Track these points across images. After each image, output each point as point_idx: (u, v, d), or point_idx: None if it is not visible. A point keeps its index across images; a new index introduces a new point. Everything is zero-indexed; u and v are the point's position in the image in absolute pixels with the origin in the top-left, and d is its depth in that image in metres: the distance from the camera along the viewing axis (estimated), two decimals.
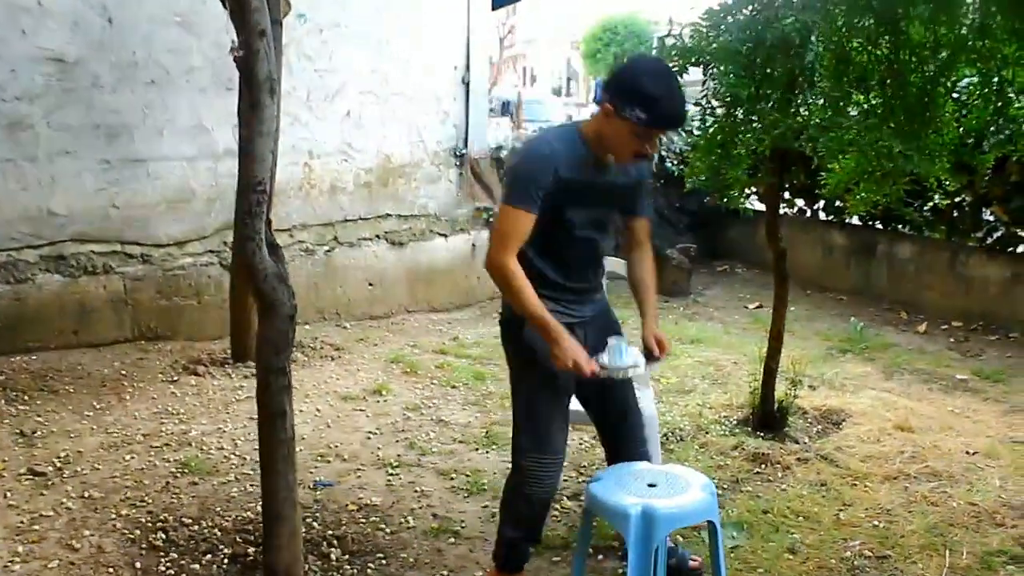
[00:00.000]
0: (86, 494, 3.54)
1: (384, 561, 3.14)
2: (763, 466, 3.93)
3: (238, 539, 3.20)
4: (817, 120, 3.72)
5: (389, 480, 3.81)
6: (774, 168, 4.22)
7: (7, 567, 3.00)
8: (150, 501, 3.50)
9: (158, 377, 4.94)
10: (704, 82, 3.96)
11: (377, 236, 6.56)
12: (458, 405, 4.74)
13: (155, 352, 5.37)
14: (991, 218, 6.35)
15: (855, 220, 7.27)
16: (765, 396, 4.33)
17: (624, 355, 2.67)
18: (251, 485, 3.63)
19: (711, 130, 4.04)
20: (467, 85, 6.86)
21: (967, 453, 4.10)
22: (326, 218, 6.27)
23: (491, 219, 7.03)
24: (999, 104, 3.63)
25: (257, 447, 2.77)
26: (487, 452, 4.13)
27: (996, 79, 3.56)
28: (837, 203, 6.97)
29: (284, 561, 2.73)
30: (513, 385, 2.89)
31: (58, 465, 3.79)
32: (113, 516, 3.37)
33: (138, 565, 3.04)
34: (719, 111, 3.92)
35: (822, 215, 7.69)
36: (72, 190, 5.25)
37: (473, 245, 7.03)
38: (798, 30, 3.37)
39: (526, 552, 2.96)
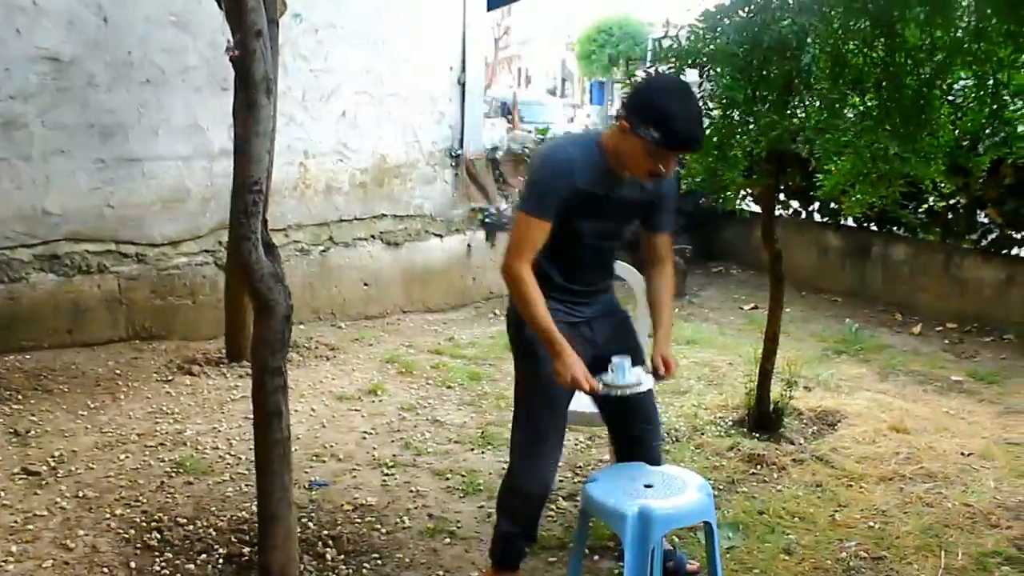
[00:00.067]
0: (80, 494, 3.53)
1: (380, 561, 3.14)
2: (759, 467, 3.93)
3: (233, 539, 3.19)
4: (813, 122, 3.72)
5: (384, 480, 3.81)
6: (770, 170, 4.23)
7: (1, 567, 2.99)
8: (145, 501, 3.49)
9: (153, 377, 4.93)
10: (700, 84, 3.97)
11: (372, 236, 6.55)
12: (453, 405, 4.74)
13: (150, 352, 5.36)
14: (985, 220, 6.37)
15: (850, 222, 7.29)
16: (760, 397, 4.33)
17: (627, 374, 2.69)
18: (246, 485, 3.62)
19: (707, 132, 4.04)
20: (463, 86, 6.86)
21: (962, 454, 4.11)
22: (321, 218, 6.27)
23: (486, 219, 7.04)
24: (994, 107, 3.63)
25: (252, 447, 2.77)
26: (483, 452, 4.12)
27: (991, 82, 3.57)
28: (832, 205, 6.99)
29: (279, 561, 2.73)
30: (516, 381, 2.91)
31: (52, 464, 3.78)
32: (107, 516, 3.36)
33: (133, 565, 3.03)
34: (715, 113, 3.92)
35: (817, 217, 7.70)
36: (67, 189, 5.24)
37: (468, 246, 7.04)
38: (795, 32, 3.37)
39: (522, 549, 2.96)
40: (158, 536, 3.21)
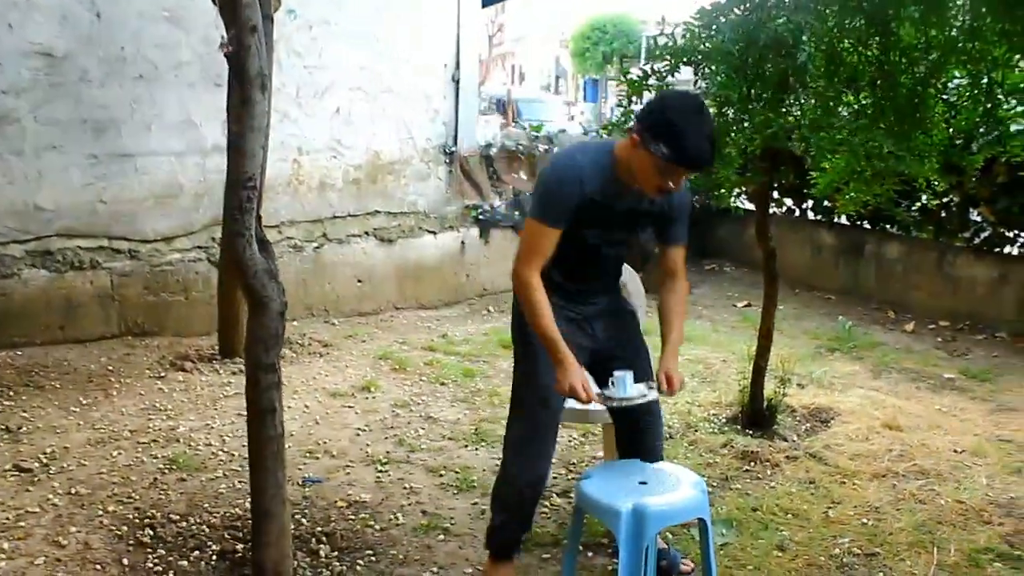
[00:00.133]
0: (72, 490, 3.52)
1: (373, 558, 3.13)
2: (752, 464, 3.94)
3: (226, 536, 3.19)
4: (808, 120, 3.73)
5: (378, 477, 3.80)
6: (765, 168, 4.24)
7: None
8: (137, 497, 3.48)
9: (145, 373, 4.91)
10: (695, 82, 3.97)
11: (366, 233, 6.54)
12: (447, 402, 4.74)
13: (142, 348, 5.34)
14: (978, 219, 6.39)
15: (843, 220, 7.31)
16: (754, 394, 4.34)
17: (627, 388, 2.70)
18: (239, 481, 3.61)
19: None
20: (457, 83, 6.85)
21: (955, 451, 4.13)
22: (315, 215, 6.25)
23: (480, 216, 7.04)
24: (988, 105, 3.65)
25: (245, 443, 2.76)
26: (476, 449, 4.12)
27: (985, 81, 3.58)
28: (826, 203, 7.00)
29: (273, 558, 2.72)
30: (514, 376, 2.93)
31: (44, 461, 3.77)
32: (100, 513, 3.35)
33: (125, 562, 3.02)
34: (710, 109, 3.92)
35: (811, 215, 7.72)
36: (59, 185, 5.21)
37: (462, 243, 7.03)
38: (790, 30, 3.37)
39: (517, 540, 2.97)
40: (151, 533, 3.20)
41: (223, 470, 3.77)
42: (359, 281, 6.53)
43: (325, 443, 4.12)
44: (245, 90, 2.55)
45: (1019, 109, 4.20)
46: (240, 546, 3.09)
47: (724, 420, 4.45)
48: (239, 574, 2.96)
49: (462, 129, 6.94)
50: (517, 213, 7.17)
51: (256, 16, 2.52)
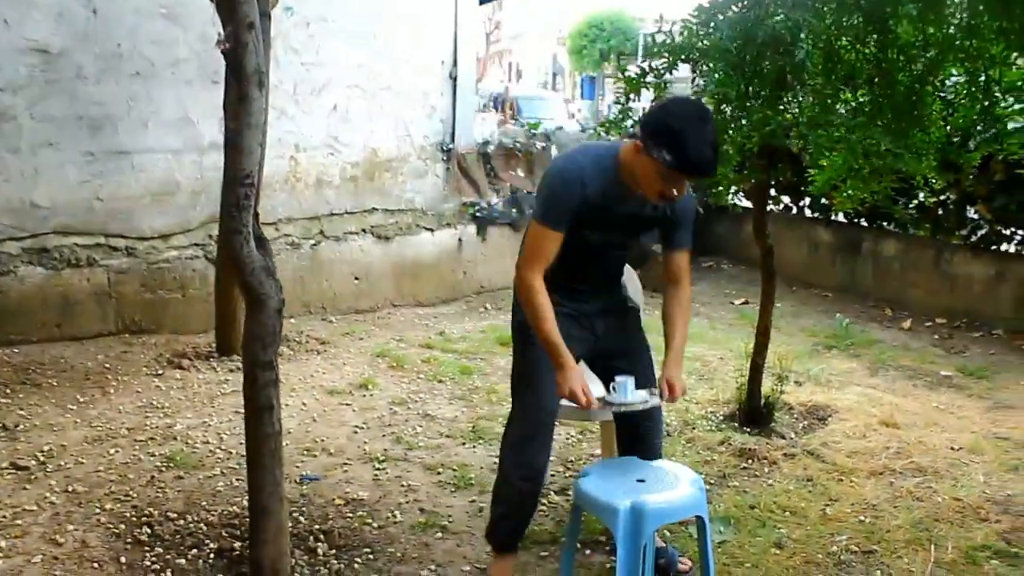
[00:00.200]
0: (70, 488, 3.51)
1: (371, 556, 3.13)
2: (750, 461, 3.94)
3: (224, 533, 3.18)
4: (806, 117, 3.73)
5: (376, 475, 3.80)
6: (763, 165, 4.24)
7: None
8: (135, 495, 3.47)
9: (142, 371, 4.91)
10: (693, 79, 3.96)
11: (363, 230, 6.53)
12: (444, 399, 4.73)
13: (139, 345, 5.33)
14: (975, 216, 6.40)
15: (841, 217, 7.31)
16: (751, 392, 4.34)
17: (628, 394, 2.71)
18: (237, 479, 3.61)
19: None
20: (454, 80, 6.84)
21: (951, 449, 4.13)
22: (312, 212, 6.25)
23: (477, 213, 7.03)
24: (986, 103, 3.65)
25: (243, 441, 2.76)
26: (474, 447, 4.12)
27: (983, 78, 3.58)
28: (823, 200, 7.00)
29: (270, 556, 2.72)
30: (512, 373, 2.96)
31: (41, 459, 3.76)
32: (97, 511, 3.34)
33: (123, 560, 3.01)
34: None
35: (808, 212, 7.72)
36: (55, 182, 5.20)
37: (459, 240, 7.02)
38: (788, 28, 3.37)
39: (517, 534, 2.98)
40: (148, 531, 3.19)
41: (221, 468, 3.77)
42: (356, 278, 6.52)
43: (323, 441, 4.11)
44: (242, 87, 2.54)
45: (1016, 107, 4.21)
46: (238, 544, 3.09)
47: (722, 418, 4.46)
48: (237, 572, 2.96)
49: (459, 126, 6.93)
50: (515, 210, 7.17)
51: (253, 13, 2.51)
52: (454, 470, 3.84)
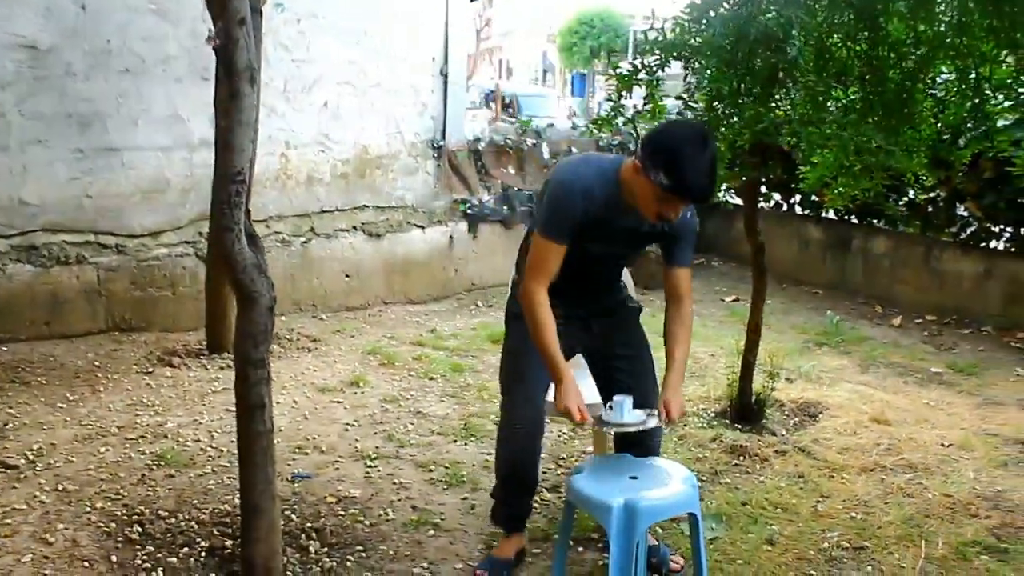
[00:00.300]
0: (60, 487, 3.49)
1: (364, 554, 3.12)
2: (741, 458, 3.95)
3: (215, 532, 3.17)
4: (798, 114, 3.73)
5: (367, 472, 3.79)
6: (754, 163, 4.24)
7: None
8: (126, 494, 3.45)
9: (132, 369, 4.88)
10: (685, 76, 3.96)
11: (354, 227, 6.52)
12: (436, 397, 4.73)
13: (129, 343, 5.31)
14: (965, 213, 6.42)
15: (831, 214, 7.33)
16: (743, 389, 4.35)
17: (624, 414, 2.71)
18: (228, 477, 3.60)
19: None
20: (445, 77, 6.82)
21: (942, 445, 4.15)
22: (303, 209, 6.23)
23: (468, 211, 7.02)
24: (976, 101, 3.66)
25: (234, 439, 2.75)
26: (466, 444, 4.11)
27: (973, 76, 3.60)
28: (813, 197, 7.02)
29: (262, 554, 2.71)
30: (501, 357, 3.06)
31: (31, 458, 3.74)
32: (88, 509, 3.32)
33: (114, 559, 3.00)
34: (700, 106, 3.93)
35: (798, 209, 7.74)
36: (44, 179, 5.17)
37: (450, 237, 7.01)
38: (780, 25, 3.37)
39: (522, 511, 3.05)
40: (139, 529, 3.18)
41: (212, 466, 3.76)
42: (347, 276, 6.51)
43: (314, 439, 4.10)
44: (233, 84, 2.53)
45: (1006, 105, 4.23)
46: (229, 542, 3.08)
47: (713, 415, 4.46)
48: (228, 570, 2.95)
49: (450, 123, 6.91)
50: (506, 207, 7.16)
51: (244, 8, 2.50)
52: (446, 467, 3.84)
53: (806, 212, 7.63)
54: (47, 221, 5.20)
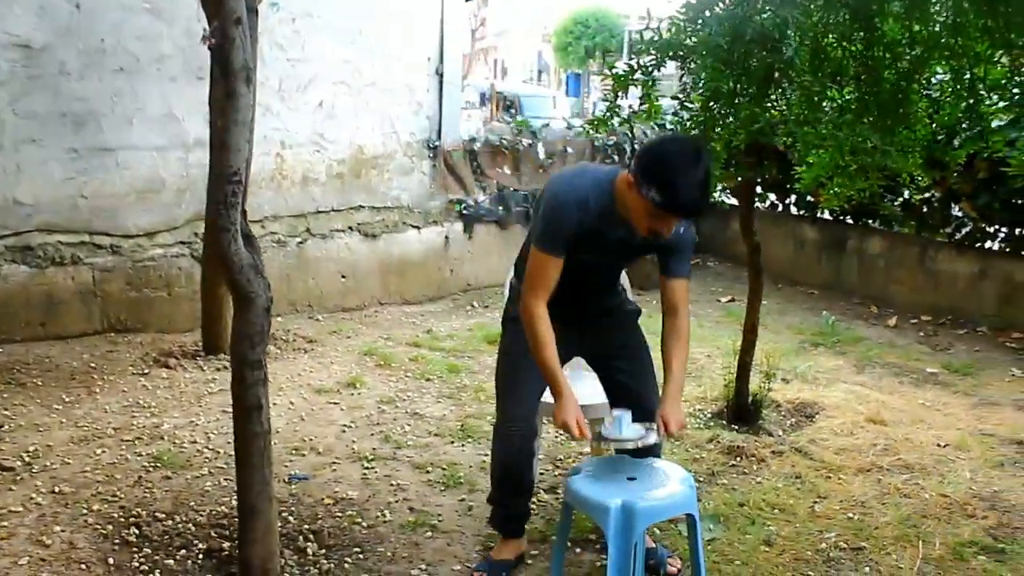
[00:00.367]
0: (56, 489, 3.48)
1: (361, 555, 3.12)
2: (738, 459, 3.95)
3: (213, 534, 3.17)
4: (794, 114, 3.74)
5: (364, 474, 3.78)
6: (750, 163, 4.24)
7: None
8: (122, 496, 3.45)
9: (128, 370, 4.87)
10: (681, 76, 3.96)
11: (350, 228, 6.51)
12: (432, 398, 4.72)
13: (125, 344, 5.29)
14: (960, 214, 6.43)
15: (826, 215, 7.33)
16: (739, 389, 4.36)
17: (623, 429, 2.71)
18: (225, 479, 3.59)
19: (688, 125, 4.04)
20: (440, 76, 6.81)
21: (938, 445, 4.15)
22: (298, 209, 6.22)
23: (464, 211, 7.00)
24: (971, 101, 3.66)
25: (231, 440, 2.74)
26: (463, 445, 4.11)
27: (968, 76, 3.60)
28: (808, 198, 7.03)
29: (260, 555, 2.70)
30: (500, 345, 3.07)
31: (26, 459, 3.73)
32: (84, 511, 3.31)
33: (111, 561, 2.99)
34: (696, 106, 3.93)
35: (794, 210, 7.74)
36: (39, 179, 5.16)
37: (446, 237, 7.00)
38: (776, 25, 3.37)
39: (520, 515, 3.06)
40: (136, 531, 3.17)
41: (208, 467, 3.75)
42: (343, 276, 6.50)
43: (311, 440, 4.10)
44: (230, 83, 2.52)
45: (1001, 105, 4.23)
46: (227, 544, 3.07)
47: (710, 415, 4.47)
48: (226, 572, 2.95)
49: (446, 123, 6.90)
50: (501, 208, 7.16)
51: (240, 8, 2.49)
52: (443, 469, 3.84)
53: (802, 212, 7.63)
54: (42, 221, 5.19)
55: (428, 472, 3.81)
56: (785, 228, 7.75)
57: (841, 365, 5.40)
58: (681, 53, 3.76)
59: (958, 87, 3.69)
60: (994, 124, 4.33)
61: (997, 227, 6.33)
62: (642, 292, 6.71)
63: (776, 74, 3.69)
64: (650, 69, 3.80)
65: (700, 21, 3.63)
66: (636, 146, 7.54)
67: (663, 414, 2.75)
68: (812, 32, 3.60)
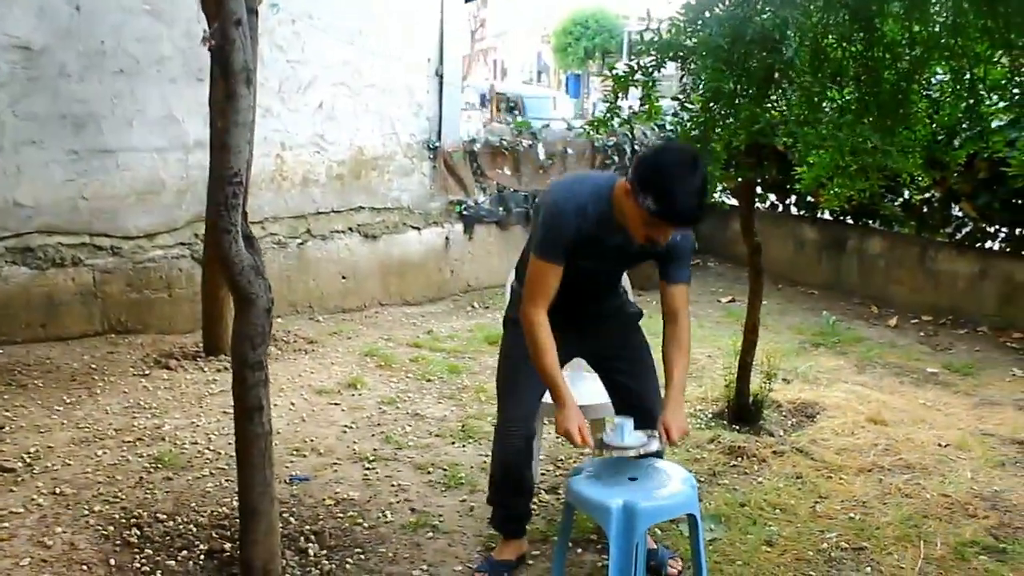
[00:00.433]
0: (57, 490, 3.48)
1: (363, 556, 3.12)
2: (739, 459, 3.95)
3: (214, 535, 3.17)
4: (794, 115, 3.74)
5: (366, 474, 3.79)
6: (750, 163, 4.24)
7: None
8: (123, 497, 3.45)
9: (129, 371, 4.87)
10: (681, 77, 3.96)
11: (350, 229, 6.51)
12: (433, 399, 4.72)
13: (125, 346, 5.30)
14: (960, 214, 6.43)
15: (826, 215, 7.33)
16: (740, 389, 4.36)
17: (625, 436, 2.71)
18: (226, 480, 3.59)
19: (688, 126, 4.04)
20: (440, 77, 6.82)
21: (939, 445, 4.15)
22: (298, 211, 6.22)
23: (464, 212, 7.01)
24: (971, 101, 3.66)
25: (231, 441, 2.74)
26: (464, 446, 4.11)
27: (968, 76, 3.60)
28: (809, 198, 7.03)
29: (261, 556, 2.70)
30: (501, 346, 3.09)
31: (27, 461, 3.73)
32: (86, 512, 3.32)
33: (112, 562, 2.99)
34: (696, 106, 3.93)
35: (794, 210, 7.74)
36: (39, 181, 5.16)
37: (446, 238, 7.00)
38: (776, 25, 3.38)
39: (520, 516, 3.06)
40: (138, 533, 3.17)
41: (209, 468, 3.75)
42: (343, 277, 6.50)
43: (312, 441, 4.10)
44: (230, 85, 2.52)
45: (1001, 105, 4.23)
46: (228, 545, 3.07)
47: (711, 415, 4.47)
48: (227, 573, 2.95)
49: (446, 124, 6.91)
50: (501, 209, 7.16)
51: (241, 9, 2.50)
52: (444, 469, 3.84)
53: (802, 213, 7.63)
54: (42, 223, 5.19)
55: (429, 473, 3.81)
56: (785, 228, 7.75)
57: (842, 365, 5.40)
58: (681, 54, 3.76)
59: (958, 87, 3.69)
60: (994, 124, 4.32)
61: (997, 227, 6.33)
62: (643, 293, 6.72)
63: (776, 75, 3.69)
64: (650, 70, 3.80)
65: (700, 22, 3.64)
66: (636, 147, 7.55)
67: (665, 421, 2.74)
68: (812, 33, 3.60)
